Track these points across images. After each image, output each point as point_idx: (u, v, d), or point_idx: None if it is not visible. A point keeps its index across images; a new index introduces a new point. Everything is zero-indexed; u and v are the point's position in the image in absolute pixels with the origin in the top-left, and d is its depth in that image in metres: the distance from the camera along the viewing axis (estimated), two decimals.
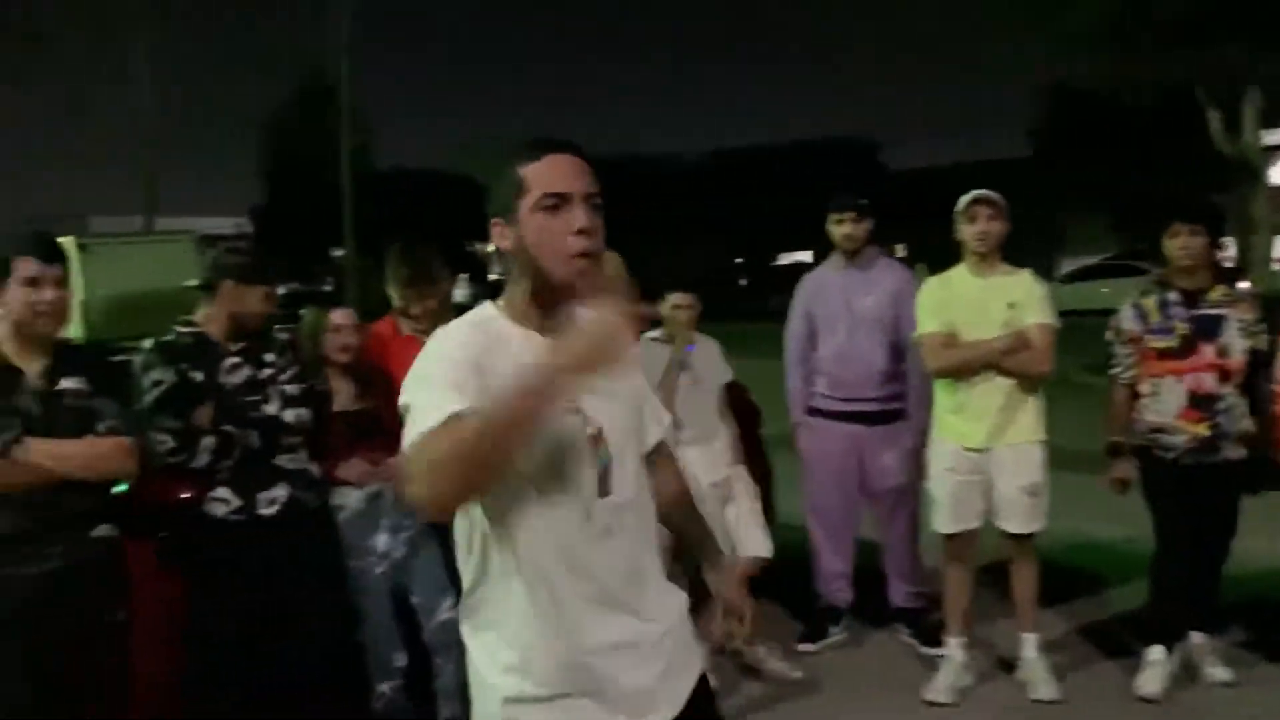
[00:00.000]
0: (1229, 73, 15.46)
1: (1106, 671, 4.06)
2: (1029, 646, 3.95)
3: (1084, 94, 20.80)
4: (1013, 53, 17.09)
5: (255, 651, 3.06)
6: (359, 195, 26.68)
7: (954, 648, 4.00)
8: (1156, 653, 3.87)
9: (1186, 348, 3.81)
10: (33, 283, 2.68)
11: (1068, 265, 26.57)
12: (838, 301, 4.47)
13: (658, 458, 2.00)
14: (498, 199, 1.74)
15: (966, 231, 3.96)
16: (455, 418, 1.53)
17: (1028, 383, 3.88)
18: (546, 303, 1.74)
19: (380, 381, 3.53)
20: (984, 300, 3.91)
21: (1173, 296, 3.88)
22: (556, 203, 1.68)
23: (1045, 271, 27.24)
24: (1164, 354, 3.85)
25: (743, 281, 40.53)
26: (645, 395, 1.97)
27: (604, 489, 1.74)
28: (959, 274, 4.03)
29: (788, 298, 4.70)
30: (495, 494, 1.65)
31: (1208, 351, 3.79)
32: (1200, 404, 3.78)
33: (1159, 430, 3.85)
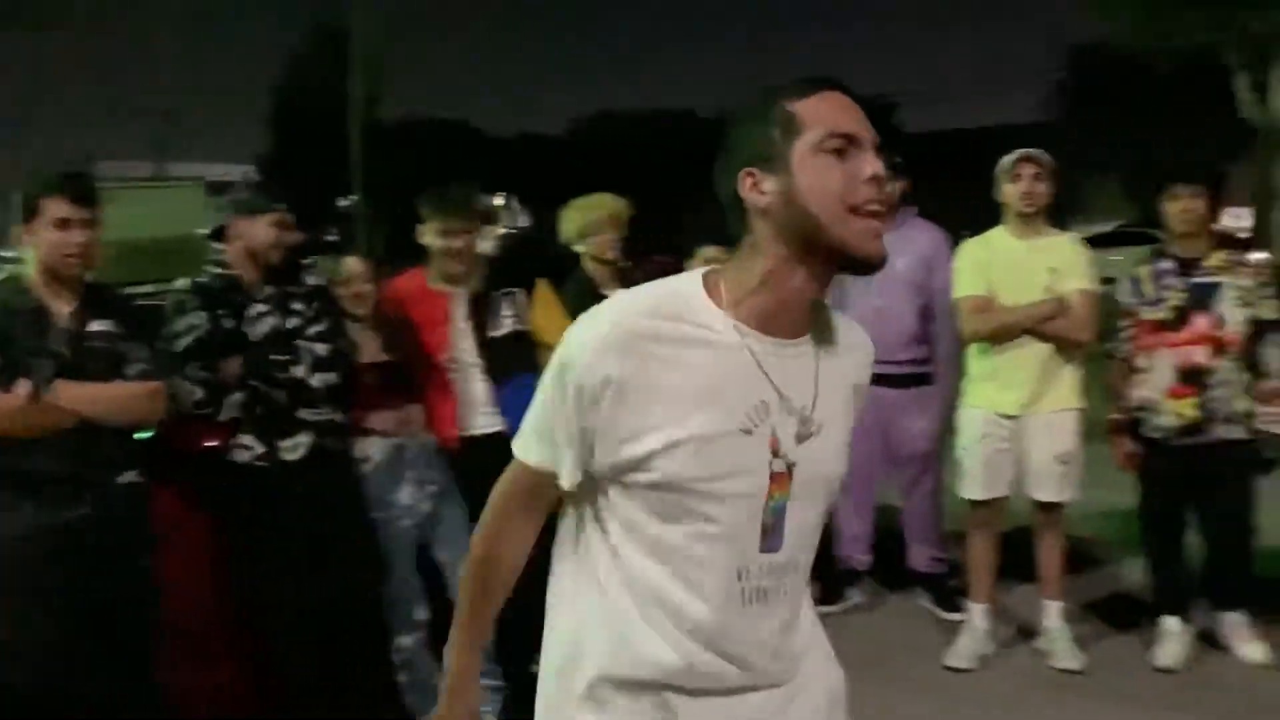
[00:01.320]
0: (1258, 39, 15.21)
1: (1128, 643, 4.04)
2: (1052, 615, 3.93)
3: (1110, 56, 20.45)
4: (1039, 11, 16.94)
5: (285, 594, 3.05)
6: (369, 145, 26.48)
7: (976, 614, 3.98)
8: (1171, 624, 3.85)
9: (1179, 319, 3.70)
10: (63, 224, 2.63)
11: (1084, 231, 26.36)
12: None
13: None
14: (751, 144, 1.39)
15: (1010, 191, 3.87)
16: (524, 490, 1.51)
17: (1066, 350, 3.82)
18: (798, 279, 1.37)
19: (407, 334, 3.49)
20: (1026, 264, 3.83)
21: (1167, 265, 3.78)
22: (845, 144, 1.36)
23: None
24: (1157, 326, 3.75)
25: None
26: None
27: (768, 543, 1.40)
28: (999, 235, 3.95)
29: None
30: (631, 500, 1.39)
31: (1201, 323, 3.67)
32: (1190, 379, 3.67)
33: (1148, 409, 3.78)
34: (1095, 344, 3.88)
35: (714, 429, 1.34)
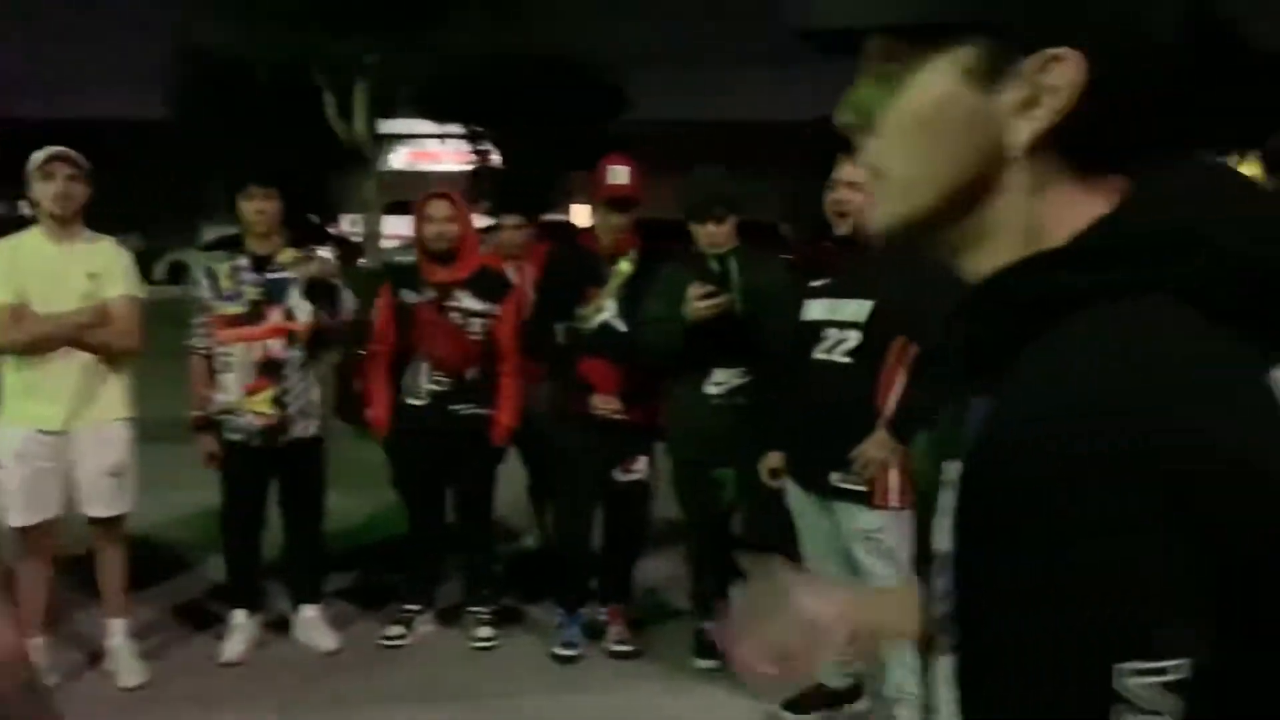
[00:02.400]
0: (343, 62, 16.83)
1: (203, 642, 4.09)
2: (116, 634, 3.80)
3: (219, 62, 20.76)
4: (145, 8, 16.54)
5: None
6: None
7: (31, 649, 3.65)
8: (239, 617, 4.02)
9: (255, 313, 3.89)
10: None
11: (212, 233, 26.39)
12: None
13: None
14: None
15: (42, 191, 3.61)
16: None
17: (111, 359, 3.69)
18: None
19: None
20: (61, 269, 3.62)
21: (244, 262, 3.96)
22: None
23: (189, 238, 26.61)
24: (233, 320, 3.90)
25: None
26: None
27: None
28: (33, 239, 3.67)
29: None
30: None
31: (275, 316, 3.90)
32: (267, 371, 3.87)
33: (228, 411, 3.90)
34: (144, 349, 3.82)
35: None
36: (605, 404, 3.85)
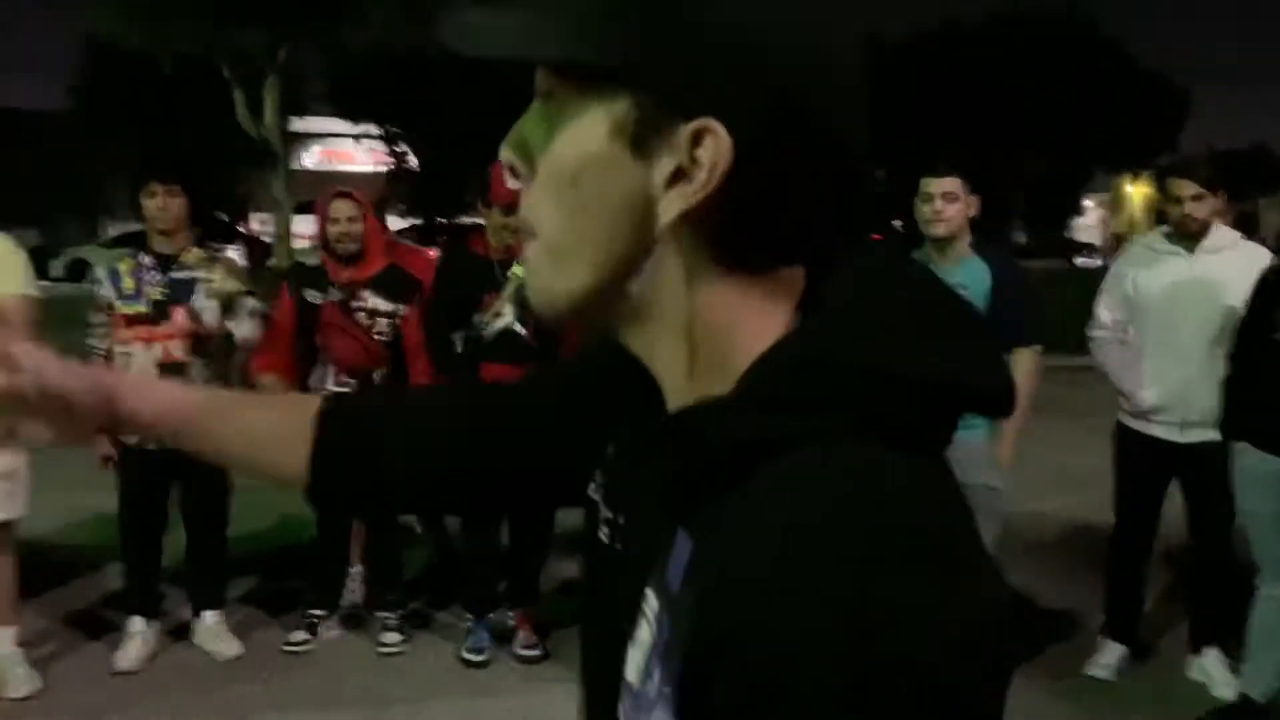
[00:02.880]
0: (251, 56, 16.37)
1: (98, 651, 3.97)
2: (5, 642, 3.67)
3: (124, 52, 20.12)
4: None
5: None
6: None
7: None
8: (136, 624, 3.91)
9: (159, 313, 3.79)
10: None
11: (116, 229, 25.60)
12: None
13: None
14: None
15: None
16: None
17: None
18: None
19: None
20: None
21: (148, 260, 3.86)
22: None
23: (90, 233, 25.48)
24: (134, 320, 3.79)
25: None
26: None
27: None
28: None
29: None
30: None
31: (178, 317, 3.81)
32: (169, 372, 3.75)
33: None
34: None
35: None
36: None
